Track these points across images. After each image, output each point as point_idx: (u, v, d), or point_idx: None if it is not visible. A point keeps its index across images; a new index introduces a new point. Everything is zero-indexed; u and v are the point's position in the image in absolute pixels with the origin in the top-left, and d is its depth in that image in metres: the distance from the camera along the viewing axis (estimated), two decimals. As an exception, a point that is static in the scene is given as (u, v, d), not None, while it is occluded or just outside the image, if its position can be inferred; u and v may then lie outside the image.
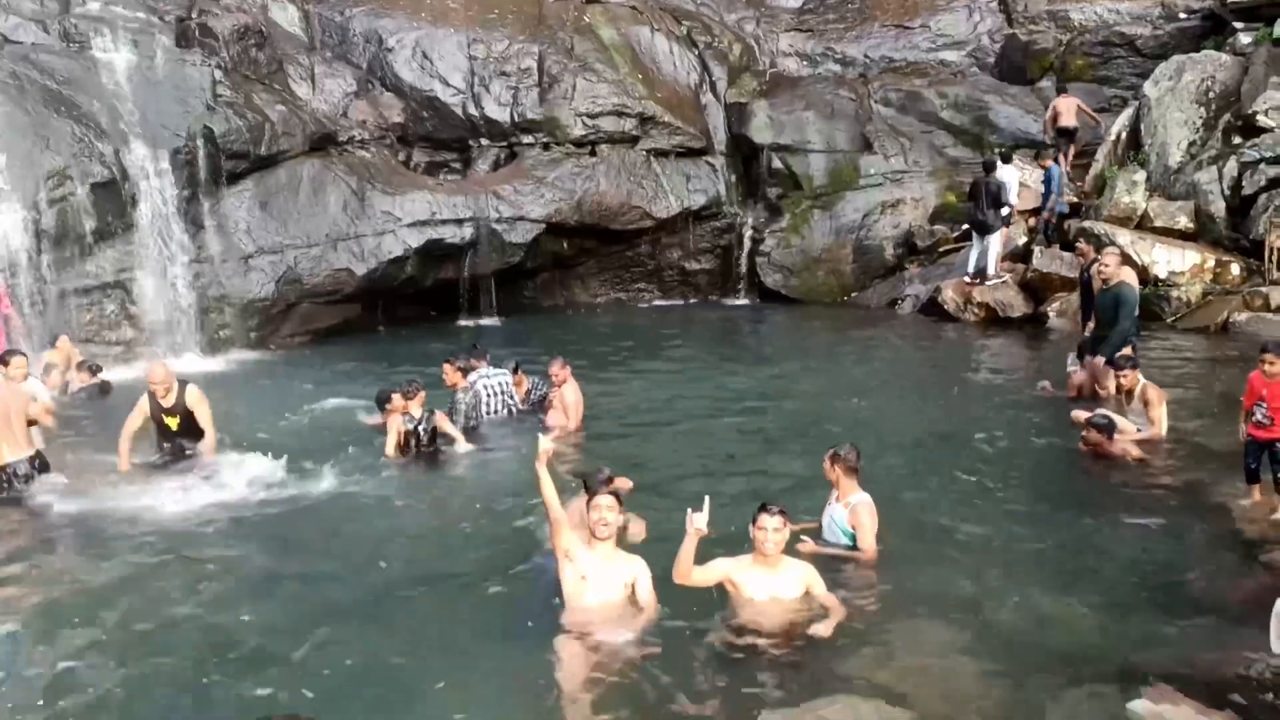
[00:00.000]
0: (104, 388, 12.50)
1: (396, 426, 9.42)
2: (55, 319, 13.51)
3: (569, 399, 10.42)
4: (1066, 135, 18.01)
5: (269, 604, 6.47)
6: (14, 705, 5.19)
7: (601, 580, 5.83)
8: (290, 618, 6.25)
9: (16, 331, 12.76)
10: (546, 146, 18.63)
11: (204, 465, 9.10)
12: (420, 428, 9.48)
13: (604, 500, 5.89)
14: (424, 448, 9.52)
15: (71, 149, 13.91)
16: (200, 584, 6.76)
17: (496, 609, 6.23)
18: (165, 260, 14.67)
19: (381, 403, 10.45)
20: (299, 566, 7.11)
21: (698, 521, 5.69)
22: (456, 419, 10.01)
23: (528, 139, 18.63)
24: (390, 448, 9.40)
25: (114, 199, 14.21)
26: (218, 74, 16.01)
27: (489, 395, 10.79)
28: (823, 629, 5.58)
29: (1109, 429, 8.73)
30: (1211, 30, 18.75)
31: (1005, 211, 16.00)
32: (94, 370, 12.66)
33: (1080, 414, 9.26)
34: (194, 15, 17.01)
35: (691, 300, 19.45)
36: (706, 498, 5.85)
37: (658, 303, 19.42)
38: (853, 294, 18.58)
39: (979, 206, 15.73)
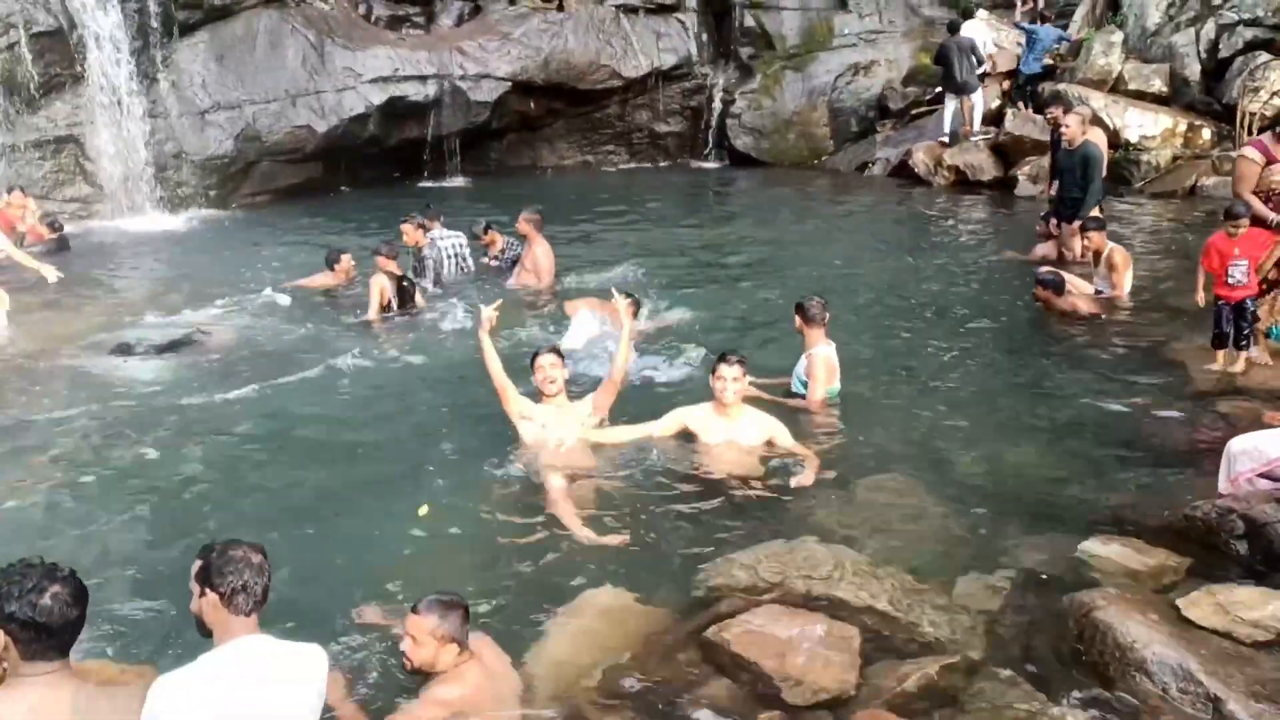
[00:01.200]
0: (63, 243, 12.26)
1: (380, 285, 9.33)
2: (8, 173, 13.12)
3: (539, 256, 10.33)
4: None
5: (235, 456, 6.52)
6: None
7: (560, 427, 5.98)
8: (256, 470, 6.32)
9: None
10: (512, 1, 18.00)
11: (170, 325, 9.02)
12: (404, 284, 9.42)
13: (545, 359, 6.03)
14: (401, 311, 9.44)
15: (14, -5, 13.26)
16: (162, 439, 6.77)
17: (469, 460, 6.29)
18: (118, 114, 14.19)
19: (330, 262, 10.33)
20: (264, 423, 7.13)
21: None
22: (425, 276, 9.95)
23: (493, -8, 17.96)
24: (373, 310, 9.31)
25: (61, 49, 13.64)
26: (165, -84, 15.19)
27: (445, 257, 10.70)
28: (803, 478, 5.68)
29: (1057, 285, 8.82)
30: (1198, -115, 18.18)
31: (981, 70, 15.81)
32: (55, 226, 12.41)
33: (1045, 271, 9.34)
34: None
35: (661, 163, 19.18)
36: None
37: (626, 165, 19.13)
38: (824, 157, 18.37)
39: (956, 68, 15.51)
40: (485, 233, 11.05)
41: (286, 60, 15.90)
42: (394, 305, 9.37)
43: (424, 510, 5.46)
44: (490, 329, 6.19)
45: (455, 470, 6.14)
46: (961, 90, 15.70)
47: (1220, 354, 7.30)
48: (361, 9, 17.76)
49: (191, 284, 10.61)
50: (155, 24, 14.64)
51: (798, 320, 6.81)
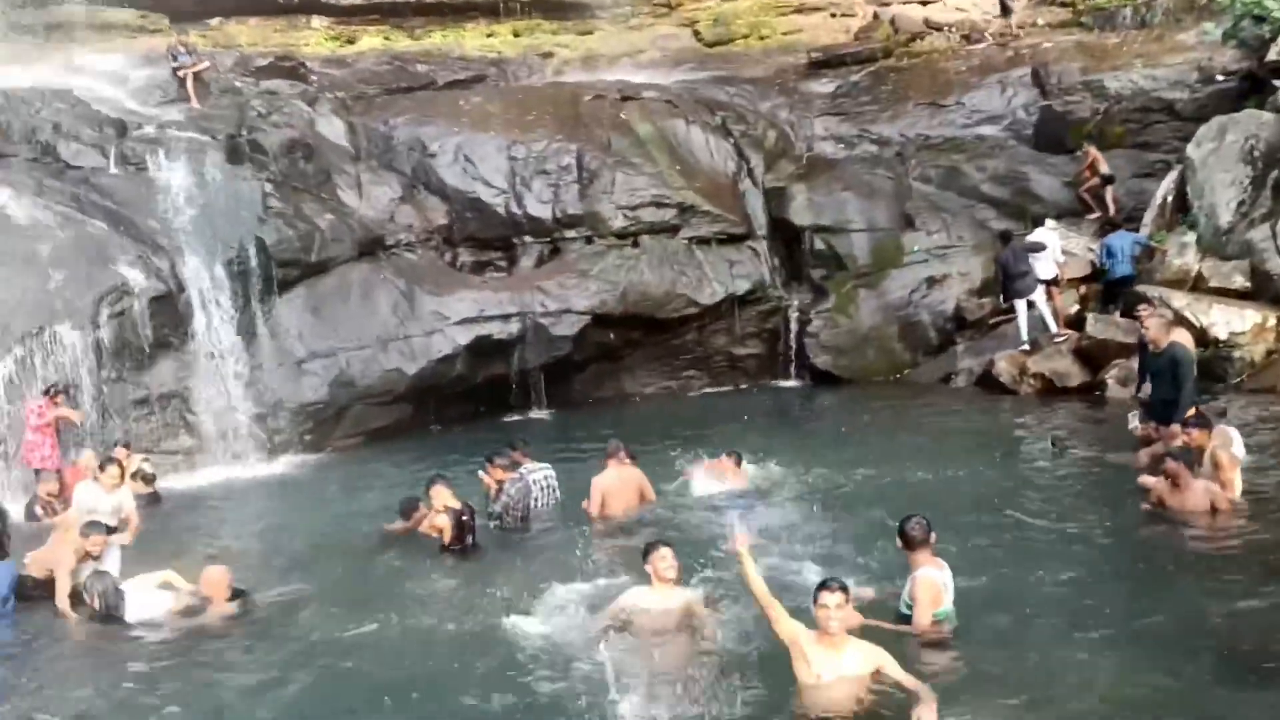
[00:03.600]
0: (155, 497, 12.64)
1: (434, 522, 9.44)
2: (117, 430, 13.74)
3: (600, 483, 10.51)
4: (1109, 181, 18.07)
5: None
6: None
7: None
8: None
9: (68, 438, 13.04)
10: (589, 240, 18.84)
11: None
12: (464, 518, 9.47)
13: (665, 550, 6.73)
14: (461, 545, 9.46)
15: (130, 265, 14.34)
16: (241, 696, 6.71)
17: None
18: (221, 369, 14.94)
19: (406, 511, 10.40)
20: (347, 674, 7.04)
21: (739, 544, 6.08)
22: (495, 507, 10.09)
23: (570, 234, 18.87)
24: (447, 535, 9.41)
25: (170, 311, 14.61)
26: (268, 187, 16.58)
27: (538, 490, 10.78)
28: (924, 714, 5.33)
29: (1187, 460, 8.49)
30: (1250, 90, 18.61)
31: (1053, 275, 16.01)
32: (148, 480, 12.82)
33: (1148, 479, 8.99)
34: (244, 132, 17.70)
35: (741, 385, 19.29)
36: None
37: (708, 390, 19.31)
38: (905, 371, 18.36)
39: (1019, 273, 15.72)
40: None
41: (378, 308, 16.71)
42: (452, 539, 9.40)
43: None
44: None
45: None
46: (1019, 294, 15.81)
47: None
48: (448, 257, 18.76)
49: (273, 536, 10.85)
50: (257, 284, 15.62)
51: (901, 540, 6.64)
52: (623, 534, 9.90)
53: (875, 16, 25.45)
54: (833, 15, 25.79)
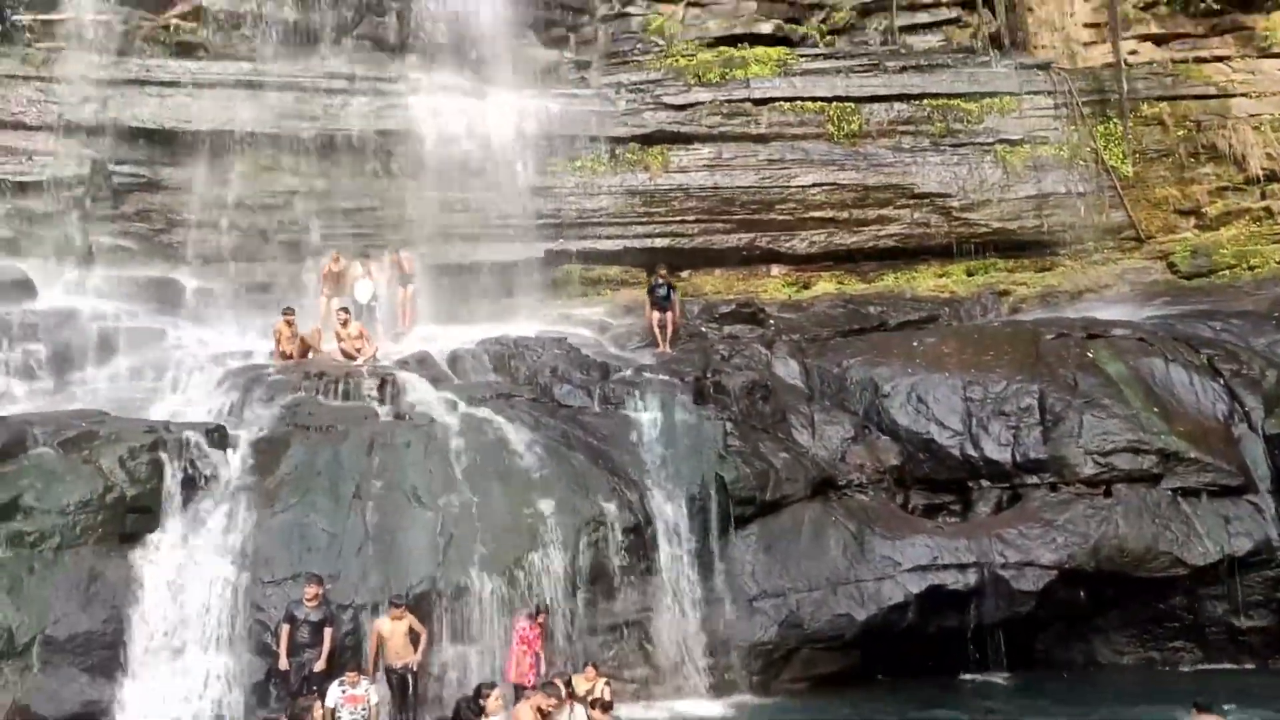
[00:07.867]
0: None
1: None
2: (582, 655, 14.45)
3: None
4: None
5: None
6: None
7: None
8: None
9: (544, 664, 13.79)
10: (1054, 487, 17.54)
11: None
12: None
13: None
14: None
15: (606, 497, 15.46)
16: None
17: None
18: (678, 602, 15.37)
19: None
20: None
21: None
22: None
23: (1032, 479, 17.69)
24: None
25: (638, 542, 15.41)
26: (729, 426, 17.37)
27: None
28: None
29: None
30: None
31: None
32: (605, 707, 13.22)
33: None
34: (709, 375, 18.91)
35: (1246, 664, 16.50)
36: None
37: (1201, 666, 16.71)
38: None
39: None
40: None
41: (828, 549, 16.52)
42: None
43: None
44: None
45: None
46: None
47: None
48: (899, 499, 18.30)
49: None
50: (715, 520, 16.14)
51: None
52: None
53: (1400, 239, 22.38)
54: (1341, 239, 23.09)
